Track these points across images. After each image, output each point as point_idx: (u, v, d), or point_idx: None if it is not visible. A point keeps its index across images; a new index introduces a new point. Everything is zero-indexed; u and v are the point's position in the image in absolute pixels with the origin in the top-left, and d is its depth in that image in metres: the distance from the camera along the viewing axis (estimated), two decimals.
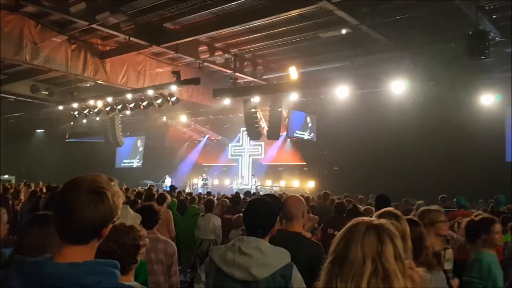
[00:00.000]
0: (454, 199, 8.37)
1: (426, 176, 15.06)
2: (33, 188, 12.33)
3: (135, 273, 2.46)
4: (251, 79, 15.99)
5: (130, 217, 3.34)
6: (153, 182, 20.03)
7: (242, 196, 9.89)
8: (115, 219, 1.43)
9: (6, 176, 23.53)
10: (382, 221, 1.45)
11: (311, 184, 20.34)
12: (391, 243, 1.36)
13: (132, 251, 2.30)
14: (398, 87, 11.95)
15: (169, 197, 7.41)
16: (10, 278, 1.30)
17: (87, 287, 1.28)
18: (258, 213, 2.48)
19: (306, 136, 20.12)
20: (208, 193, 13.80)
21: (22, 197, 12.11)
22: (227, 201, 9.29)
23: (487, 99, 12.86)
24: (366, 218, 1.48)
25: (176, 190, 12.69)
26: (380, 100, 14.20)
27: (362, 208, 7.07)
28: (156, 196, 7.51)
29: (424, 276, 2.05)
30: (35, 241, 2.11)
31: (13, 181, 20.92)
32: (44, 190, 11.32)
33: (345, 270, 1.34)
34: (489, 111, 13.22)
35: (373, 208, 6.46)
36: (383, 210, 2.52)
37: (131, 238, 2.31)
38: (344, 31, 11.43)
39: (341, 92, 13.09)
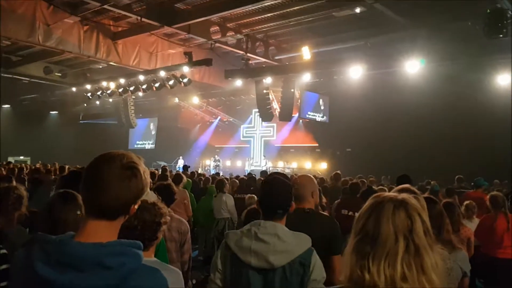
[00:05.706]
0: (476, 179, 8.25)
1: (440, 157, 14.86)
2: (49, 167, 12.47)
3: (155, 250, 2.48)
4: (263, 59, 15.85)
5: (151, 195, 3.38)
6: (166, 164, 20.17)
7: (257, 177, 9.88)
8: (144, 195, 1.42)
9: (21, 157, 23.90)
10: (405, 195, 1.39)
11: (323, 166, 20.27)
12: (419, 218, 1.34)
13: (153, 228, 2.29)
14: (413, 67, 11.74)
15: (185, 177, 7.47)
16: (33, 256, 1.27)
17: (110, 267, 1.24)
18: (278, 192, 2.33)
19: (318, 117, 19.96)
20: (217, 174, 13.80)
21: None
22: (237, 181, 9.30)
23: (504, 79, 12.60)
24: (389, 194, 1.42)
25: (189, 170, 12.72)
26: (394, 80, 14.01)
27: (376, 189, 7.03)
28: (171, 177, 7.56)
29: (442, 253, 2.03)
30: (68, 217, 2.23)
31: (29, 162, 21.20)
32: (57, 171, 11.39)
33: (378, 249, 1.30)
34: (506, 91, 12.97)
35: (386, 189, 6.42)
36: (401, 186, 2.49)
37: (152, 215, 2.30)
38: (358, 9, 11.25)
39: (355, 73, 12.91)
